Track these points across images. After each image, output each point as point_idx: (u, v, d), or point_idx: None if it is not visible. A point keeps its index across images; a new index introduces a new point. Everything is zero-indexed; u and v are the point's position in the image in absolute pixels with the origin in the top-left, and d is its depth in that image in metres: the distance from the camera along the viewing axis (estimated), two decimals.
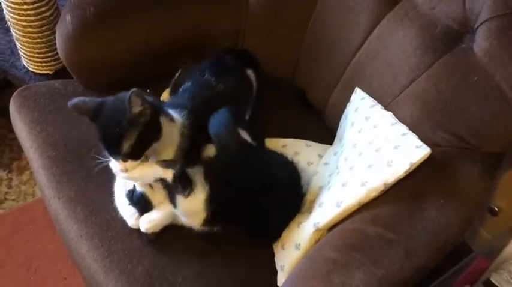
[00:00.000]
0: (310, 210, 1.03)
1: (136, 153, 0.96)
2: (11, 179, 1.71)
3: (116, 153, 0.95)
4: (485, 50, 0.98)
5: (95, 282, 1.00)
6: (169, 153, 1.03)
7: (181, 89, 1.20)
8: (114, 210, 1.06)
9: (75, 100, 0.96)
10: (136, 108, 0.92)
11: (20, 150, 1.76)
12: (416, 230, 0.89)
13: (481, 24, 1.00)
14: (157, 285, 0.96)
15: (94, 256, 1.01)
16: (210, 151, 1.11)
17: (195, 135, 1.07)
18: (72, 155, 1.16)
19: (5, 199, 1.66)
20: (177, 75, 1.30)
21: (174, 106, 1.08)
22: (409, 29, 1.12)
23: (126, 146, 0.94)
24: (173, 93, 1.26)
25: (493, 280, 1.16)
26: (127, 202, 1.04)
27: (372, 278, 0.81)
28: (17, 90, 1.28)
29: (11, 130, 1.75)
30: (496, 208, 1.35)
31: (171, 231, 1.05)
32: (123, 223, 1.04)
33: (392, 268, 0.84)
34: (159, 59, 1.23)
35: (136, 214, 1.03)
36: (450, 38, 1.06)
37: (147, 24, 1.26)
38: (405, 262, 0.85)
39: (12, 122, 1.27)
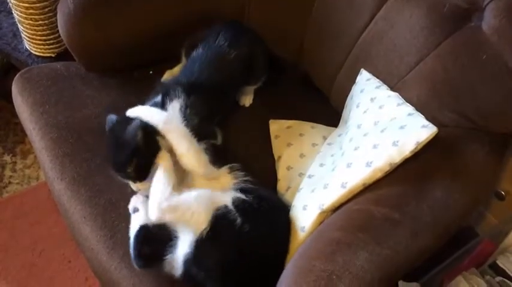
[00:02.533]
0: (311, 188, 1.03)
1: (141, 175, 0.99)
2: (15, 163, 1.71)
3: (124, 177, 1.01)
4: (494, 28, 0.96)
5: (98, 263, 1.01)
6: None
7: (193, 54, 1.20)
8: (118, 191, 1.06)
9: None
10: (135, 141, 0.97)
11: (23, 134, 1.76)
12: (421, 211, 0.88)
13: (490, 1, 0.98)
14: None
15: (98, 237, 1.01)
16: None
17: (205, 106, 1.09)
18: (75, 137, 1.15)
19: (10, 182, 1.66)
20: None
21: (175, 83, 1.09)
22: (416, 8, 1.10)
23: (129, 171, 0.98)
24: (187, 56, 1.24)
25: (499, 262, 1.15)
26: None
27: (377, 258, 0.81)
28: (19, 72, 1.27)
29: (14, 114, 1.75)
30: (502, 193, 1.34)
31: None
32: (127, 203, 1.04)
33: (397, 248, 0.83)
34: (162, 39, 1.21)
35: None
36: (458, 17, 1.04)
37: (150, 3, 1.24)
38: (410, 242, 0.85)
39: (14, 104, 1.26)
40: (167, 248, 0.94)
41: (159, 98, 1.08)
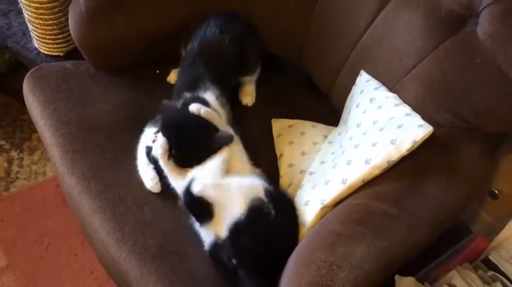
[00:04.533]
0: (312, 184, 1.07)
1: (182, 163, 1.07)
2: (22, 158, 1.75)
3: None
4: (488, 33, 1.00)
5: (107, 254, 1.03)
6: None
7: (189, 46, 1.25)
8: (126, 185, 1.10)
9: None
10: (219, 148, 1.06)
11: (30, 130, 1.80)
12: (417, 206, 0.93)
13: (485, 7, 1.02)
14: (169, 257, 1.00)
15: (107, 229, 1.04)
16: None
17: None
18: (84, 133, 1.19)
19: (17, 178, 1.70)
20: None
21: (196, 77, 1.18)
22: (415, 12, 1.14)
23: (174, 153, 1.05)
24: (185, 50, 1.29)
25: (491, 258, 1.19)
26: (147, 164, 1.08)
27: (374, 250, 0.85)
28: (30, 71, 1.30)
29: (21, 111, 1.80)
30: (496, 192, 1.38)
31: None
32: (135, 197, 1.08)
33: (394, 241, 0.88)
34: (170, 38, 1.24)
35: (156, 179, 1.08)
36: (455, 22, 1.08)
37: (159, 4, 1.27)
38: (406, 235, 0.89)
39: (25, 101, 1.29)
40: (204, 214, 1.01)
41: (187, 95, 1.15)
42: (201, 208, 1.01)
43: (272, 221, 0.98)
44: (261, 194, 1.01)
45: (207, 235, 1.02)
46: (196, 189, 1.01)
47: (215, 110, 1.13)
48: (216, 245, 0.99)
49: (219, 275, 0.99)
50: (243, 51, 1.29)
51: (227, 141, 1.07)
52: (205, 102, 1.13)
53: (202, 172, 1.04)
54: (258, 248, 0.96)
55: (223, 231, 0.98)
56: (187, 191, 1.02)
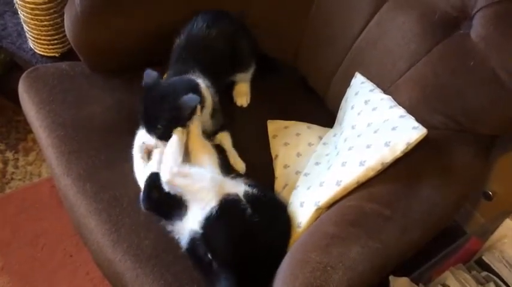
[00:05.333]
0: (307, 185, 1.07)
1: (167, 136, 1.07)
2: (17, 159, 1.74)
3: (149, 130, 1.10)
4: (482, 36, 1.02)
5: (103, 255, 1.04)
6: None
7: (177, 41, 1.26)
8: (122, 186, 1.10)
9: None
10: (187, 111, 1.05)
11: (26, 131, 1.79)
12: (411, 208, 0.94)
13: (478, 10, 1.03)
14: (164, 257, 1.00)
15: (102, 230, 1.04)
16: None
17: None
18: (80, 135, 1.19)
19: (12, 178, 1.69)
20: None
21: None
22: (409, 15, 1.15)
23: (159, 127, 1.07)
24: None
25: (485, 258, 1.20)
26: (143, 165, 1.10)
27: (368, 251, 0.86)
28: (26, 71, 1.30)
29: (16, 112, 1.79)
30: (490, 193, 1.39)
31: None
32: (131, 198, 1.08)
33: (388, 242, 0.89)
34: (166, 40, 1.25)
35: None
36: (448, 25, 1.09)
37: (156, 5, 1.27)
38: (400, 236, 0.90)
39: (21, 102, 1.29)
40: (176, 213, 1.00)
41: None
42: (173, 203, 1.01)
43: (248, 219, 0.98)
44: (239, 192, 1.01)
45: (181, 232, 1.01)
46: (164, 179, 0.99)
47: (204, 96, 1.13)
48: (192, 240, 0.98)
49: (196, 271, 0.99)
50: (234, 47, 1.29)
51: (193, 103, 1.04)
52: (195, 83, 1.13)
53: (164, 159, 1.03)
54: (231, 244, 0.96)
55: (195, 224, 0.97)
56: (149, 188, 1.02)
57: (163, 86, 1.10)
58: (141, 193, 1.04)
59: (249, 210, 0.98)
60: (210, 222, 0.96)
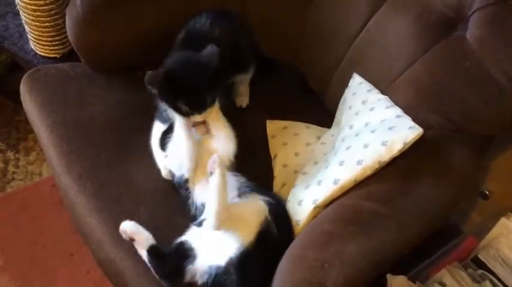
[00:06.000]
0: (306, 184, 1.09)
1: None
2: (18, 159, 1.76)
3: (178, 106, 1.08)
4: (477, 37, 1.03)
5: (104, 254, 1.05)
6: None
7: (178, 37, 1.25)
8: (123, 186, 1.12)
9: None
10: (214, 63, 1.06)
11: (26, 131, 1.80)
12: (407, 206, 0.96)
13: (474, 12, 1.05)
14: None
15: (103, 229, 1.05)
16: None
17: None
18: (81, 134, 1.20)
19: (13, 178, 1.71)
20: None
21: None
22: (406, 16, 1.16)
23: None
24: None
25: (481, 257, 1.21)
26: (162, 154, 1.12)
27: (365, 248, 0.87)
28: (28, 72, 1.31)
29: (17, 112, 1.81)
30: (487, 192, 1.40)
31: (178, 203, 1.10)
32: (131, 197, 1.10)
33: (384, 240, 0.90)
34: (166, 40, 1.26)
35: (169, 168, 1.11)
36: (445, 26, 1.11)
37: (156, 5, 1.28)
38: (396, 234, 0.92)
39: (23, 102, 1.30)
40: (185, 261, 0.97)
41: None
42: (182, 254, 0.98)
43: (277, 240, 0.97)
44: (266, 213, 1.00)
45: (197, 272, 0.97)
46: (214, 228, 0.96)
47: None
48: (217, 275, 0.94)
49: None
50: (235, 47, 1.28)
51: (213, 54, 1.06)
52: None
53: (211, 205, 0.98)
54: (267, 272, 0.91)
55: (220, 260, 0.94)
56: (156, 263, 0.98)
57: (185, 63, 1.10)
58: (154, 274, 0.99)
59: (275, 230, 0.98)
60: (246, 254, 0.93)
